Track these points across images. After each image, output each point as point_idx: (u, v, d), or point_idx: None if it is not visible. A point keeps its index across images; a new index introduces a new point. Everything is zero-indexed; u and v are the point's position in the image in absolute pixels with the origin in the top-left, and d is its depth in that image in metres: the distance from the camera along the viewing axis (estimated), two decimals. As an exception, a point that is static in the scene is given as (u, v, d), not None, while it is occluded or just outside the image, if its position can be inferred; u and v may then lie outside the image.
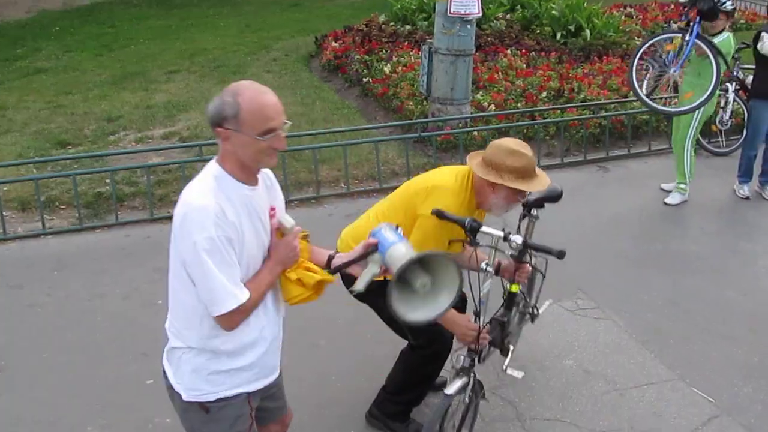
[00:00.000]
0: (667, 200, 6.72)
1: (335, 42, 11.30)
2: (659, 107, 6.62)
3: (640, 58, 6.42)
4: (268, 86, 2.26)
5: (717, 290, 5.23)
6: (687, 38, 6.05)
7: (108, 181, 6.68)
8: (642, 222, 6.48)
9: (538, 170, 3.20)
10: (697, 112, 6.40)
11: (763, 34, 6.47)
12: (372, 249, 2.34)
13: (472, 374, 3.21)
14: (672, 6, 14.01)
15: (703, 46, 6.05)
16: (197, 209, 2.14)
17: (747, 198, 6.89)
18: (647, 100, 6.37)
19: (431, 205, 3.09)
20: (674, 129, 6.81)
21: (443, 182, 3.23)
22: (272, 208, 2.39)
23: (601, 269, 5.51)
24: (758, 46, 6.49)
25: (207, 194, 2.18)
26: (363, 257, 2.37)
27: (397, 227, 2.41)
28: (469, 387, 3.21)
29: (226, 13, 16.35)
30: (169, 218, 6.17)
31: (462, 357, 3.21)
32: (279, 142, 2.22)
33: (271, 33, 13.88)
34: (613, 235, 6.14)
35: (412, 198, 3.25)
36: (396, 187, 3.60)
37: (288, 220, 2.36)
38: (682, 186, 6.74)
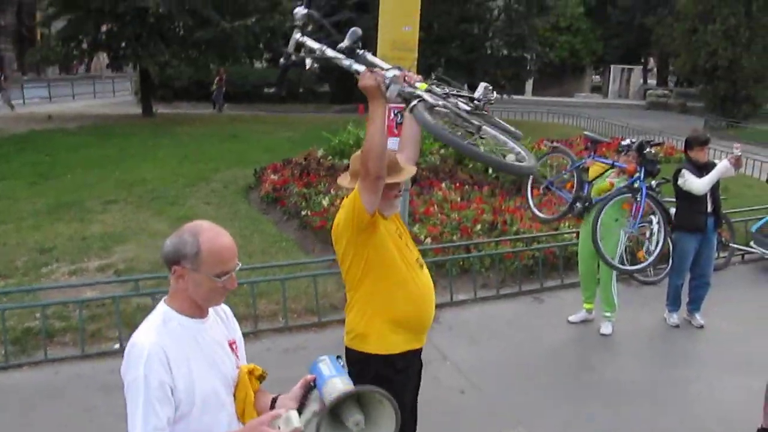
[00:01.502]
0: (602, 330, 6.88)
1: (274, 174, 11.52)
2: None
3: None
4: (207, 218, 2.32)
5: (654, 419, 5.30)
6: (638, 198, 6.37)
7: (38, 315, 6.50)
8: (578, 352, 6.60)
9: (402, 162, 3.43)
10: (621, 241, 6.70)
11: (684, 171, 6.87)
12: (311, 385, 2.32)
13: None
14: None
15: (652, 205, 6.42)
16: (135, 347, 2.16)
17: (677, 326, 7.10)
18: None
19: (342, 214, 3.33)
20: (596, 260, 6.95)
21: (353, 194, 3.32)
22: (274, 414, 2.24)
23: (540, 400, 5.54)
24: (679, 183, 6.87)
25: (149, 334, 2.19)
26: (304, 396, 2.32)
27: (338, 357, 2.39)
28: None
29: (166, 144, 16.58)
30: (102, 355, 6.07)
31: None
32: (232, 283, 2.28)
33: (209, 164, 14.08)
34: (551, 365, 6.22)
35: (337, 232, 3.41)
36: (335, 321, 3.63)
37: (292, 422, 2.18)
38: (609, 314, 6.92)
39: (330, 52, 3.19)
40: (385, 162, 3.11)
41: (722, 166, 6.72)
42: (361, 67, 3.04)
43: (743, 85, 25.78)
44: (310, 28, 3.38)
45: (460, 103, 3.06)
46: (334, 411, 2.21)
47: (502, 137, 3.04)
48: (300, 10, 3.36)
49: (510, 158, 2.98)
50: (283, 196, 10.62)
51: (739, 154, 6.82)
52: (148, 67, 22.69)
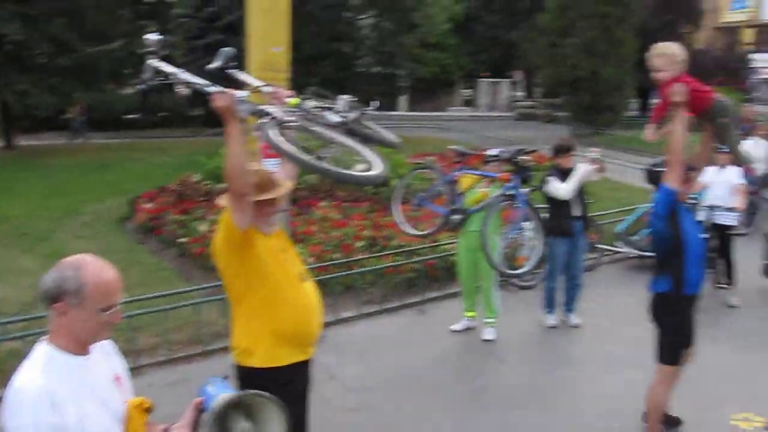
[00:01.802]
0: (485, 336, 7.06)
1: (149, 203, 11.20)
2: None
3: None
4: (79, 253, 2.25)
5: (541, 420, 5.47)
6: (516, 204, 6.54)
7: None
8: (464, 360, 6.74)
9: (279, 179, 3.53)
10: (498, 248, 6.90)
11: (549, 177, 7.17)
12: (202, 408, 2.30)
13: None
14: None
15: (528, 211, 6.63)
16: (19, 392, 2.07)
17: (554, 327, 7.39)
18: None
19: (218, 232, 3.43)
20: (476, 268, 7.14)
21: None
22: None
23: (429, 411, 5.61)
24: (545, 189, 7.17)
25: (34, 377, 2.10)
26: (196, 420, 2.31)
27: (225, 377, 2.40)
28: None
29: (30, 177, 15.80)
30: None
31: None
32: (117, 317, 2.24)
33: (79, 196, 13.53)
34: (438, 375, 6.32)
35: (216, 250, 3.47)
36: (220, 349, 3.60)
37: None
38: (491, 320, 7.12)
39: (186, 75, 3.21)
40: (246, 179, 3.17)
41: (582, 170, 7.07)
42: (214, 89, 3.05)
43: (604, 94, 27.13)
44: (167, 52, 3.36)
45: (328, 116, 3.18)
46: (223, 425, 2.20)
47: (359, 147, 3.14)
48: (152, 37, 3.38)
49: (358, 168, 3.08)
50: (159, 224, 10.32)
51: (596, 156, 7.18)
52: (6, 97, 21.56)
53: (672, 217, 4.58)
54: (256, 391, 2.32)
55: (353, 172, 3.06)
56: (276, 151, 3.01)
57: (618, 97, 27.39)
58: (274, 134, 2.98)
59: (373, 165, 3.06)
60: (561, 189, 7.05)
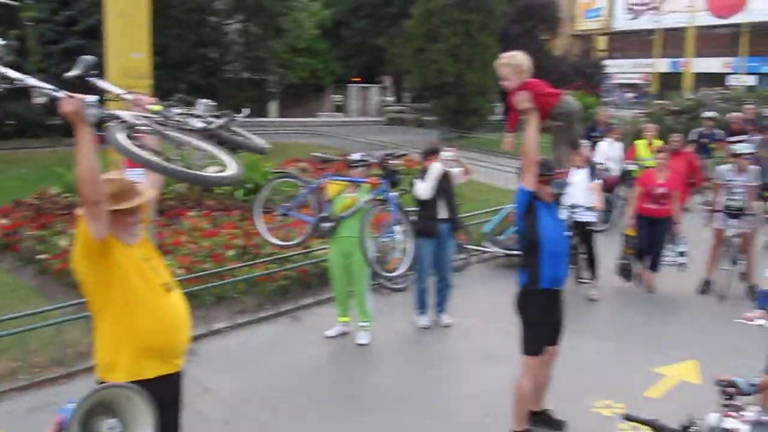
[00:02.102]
0: (360, 341, 7.10)
1: (4, 218, 10.55)
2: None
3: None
4: None
5: (417, 421, 5.56)
6: (388, 208, 6.63)
7: None
8: (339, 365, 6.76)
9: (138, 188, 3.45)
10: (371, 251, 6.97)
11: (415, 180, 7.32)
12: (61, 426, 2.22)
13: None
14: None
15: (399, 214, 6.71)
16: None
17: (427, 327, 7.53)
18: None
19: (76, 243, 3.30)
20: (348, 273, 7.16)
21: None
22: None
23: (306, 420, 5.59)
24: (412, 191, 7.30)
25: None
26: None
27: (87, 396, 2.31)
28: None
29: None
30: None
31: None
32: None
33: (-76, 213, 12.56)
34: (314, 382, 6.29)
35: (74, 261, 3.36)
36: (85, 369, 3.47)
37: None
38: (365, 324, 7.18)
39: (32, 81, 3.08)
40: (98, 187, 3.09)
41: (436, 169, 7.20)
42: (61, 94, 2.96)
43: (469, 98, 27.98)
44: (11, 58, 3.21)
45: (191, 122, 3.17)
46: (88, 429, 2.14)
47: (214, 150, 3.14)
48: None
49: (211, 170, 3.09)
50: (15, 240, 9.74)
51: (451, 156, 7.36)
52: None
53: (528, 215, 4.87)
54: (109, 383, 2.25)
55: (204, 174, 3.05)
56: (122, 154, 2.96)
57: (483, 101, 28.30)
58: (121, 138, 2.94)
59: (227, 167, 3.06)
60: (419, 188, 7.21)
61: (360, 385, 6.27)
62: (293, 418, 5.60)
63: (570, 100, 4.93)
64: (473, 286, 8.90)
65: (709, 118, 13.84)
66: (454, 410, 5.75)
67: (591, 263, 8.60)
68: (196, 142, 3.14)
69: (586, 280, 8.70)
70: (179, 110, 3.31)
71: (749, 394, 3.70)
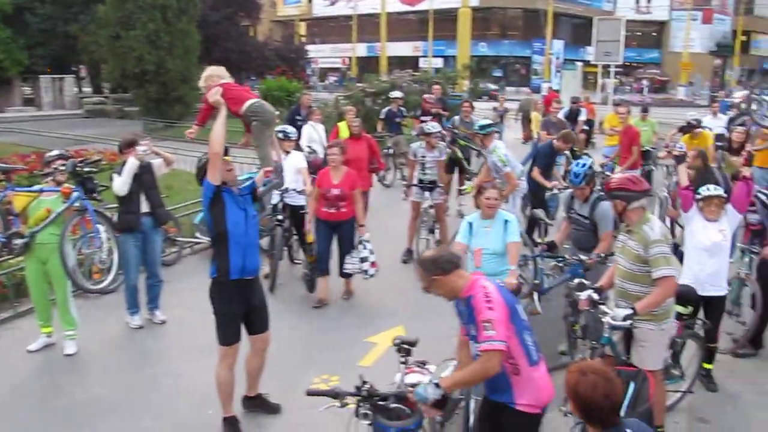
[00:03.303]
0: (66, 351, 6.63)
1: None
2: None
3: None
4: None
5: (134, 425, 5.36)
6: (86, 215, 6.37)
7: None
8: (47, 379, 6.24)
9: None
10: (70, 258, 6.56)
11: (113, 175, 6.95)
12: None
13: None
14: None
15: (98, 218, 6.30)
16: None
17: (140, 327, 7.24)
18: None
19: None
20: (47, 281, 6.72)
21: None
22: None
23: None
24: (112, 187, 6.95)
25: None
26: None
27: None
28: None
29: None
30: None
31: None
32: None
33: None
34: (18, 402, 5.79)
35: None
36: None
37: None
38: (71, 333, 6.72)
39: None
40: None
41: (129, 164, 6.92)
42: None
43: (172, 86, 27.21)
44: None
45: None
46: None
47: None
48: None
49: None
50: None
51: (144, 150, 7.06)
52: None
53: (215, 207, 4.94)
54: None
55: None
56: None
57: (187, 88, 27.67)
58: None
59: None
60: (115, 185, 6.91)
61: (70, 398, 5.86)
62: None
63: (264, 103, 5.20)
64: (188, 278, 8.69)
65: (396, 98, 14.82)
66: (173, 408, 5.62)
67: (303, 244, 8.83)
68: None
69: (299, 261, 8.91)
70: None
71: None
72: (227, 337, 5.14)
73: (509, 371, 3.69)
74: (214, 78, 5.09)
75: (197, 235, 9.79)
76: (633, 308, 4.61)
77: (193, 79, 26.99)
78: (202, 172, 4.99)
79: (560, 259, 6.73)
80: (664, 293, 4.67)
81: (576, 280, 5.22)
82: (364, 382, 3.69)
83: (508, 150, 8.85)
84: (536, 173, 9.15)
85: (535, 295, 7.43)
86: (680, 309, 5.43)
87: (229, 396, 5.25)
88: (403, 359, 4.25)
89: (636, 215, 4.81)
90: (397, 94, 15.06)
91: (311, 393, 3.74)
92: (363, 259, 7.82)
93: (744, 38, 58.28)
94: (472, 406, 4.71)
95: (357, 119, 10.61)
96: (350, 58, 61.07)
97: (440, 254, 3.88)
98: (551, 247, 6.92)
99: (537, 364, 3.76)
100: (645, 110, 14.00)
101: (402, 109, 14.73)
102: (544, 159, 9.38)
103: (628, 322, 4.57)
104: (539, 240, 8.48)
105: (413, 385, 3.80)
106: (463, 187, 11.44)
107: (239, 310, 5.14)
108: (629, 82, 55.64)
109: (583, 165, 6.37)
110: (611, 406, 2.93)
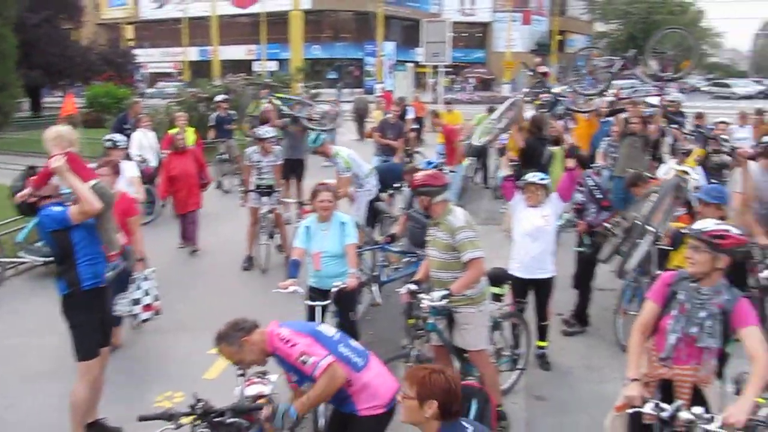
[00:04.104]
0: None
1: None
2: None
3: None
4: None
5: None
6: None
7: None
8: None
9: None
10: None
11: None
12: None
13: None
14: None
15: None
16: None
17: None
18: None
19: None
20: None
21: None
22: None
23: None
24: None
25: None
26: None
27: None
28: None
29: None
30: None
31: None
32: None
33: None
34: None
35: None
36: None
37: None
38: None
39: None
40: None
41: None
42: None
43: (-13, 95, 25.41)
44: None
45: None
46: None
47: None
48: None
49: None
50: None
51: None
52: None
53: (59, 233, 4.77)
54: None
55: None
56: None
57: (5, 96, 25.85)
58: None
59: None
60: None
61: None
62: None
63: (105, 185, 5.10)
64: (13, 301, 8.16)
65: (221, 102, 14.57)
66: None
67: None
68: None
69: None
70: None
71: None
72: (90, 349, 4.94)
73: (342, 387, 3.78)
74: (63, 143, 4.91)
75: (20, 254, 9.14)
76: (449, 290, 4.89)
77: (11, 87, 25.31)
78: (27, 208, 4.91)
79: (403, 252, 7.07)
80: (474, 274, 4.99)
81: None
82: (199, 400, 3.63)
83: (352, 151, 9.02)
84: None
85: (375, 287, 7.67)
86: (495, 290, 5.82)
87: (86, 417, 5.04)
88: (241, 371, 4.23)
89: (440, 208, 5.11)
90: (221, 97, 14.83)
91: (143, 418, 3.62)
92: (135, 301, 6.33)
93: (560, 37, 62.06)
94: (321, 409, 4.78)
95: (181, 134, 10.35)
96: (182, 62, 59.46)
97: (233, 321, 3.94)
98: (393, 238, 7.24)
99: (365, 368, 3.89)
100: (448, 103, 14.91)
101: (231, 112, 14.54)
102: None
103: (445, 300, 4.86)
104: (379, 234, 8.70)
105: (255, 397, 3.81)
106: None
107: (98, 316, 4.99)
108: (460, 81, 57.83)
109: (429, 163, 6.77)
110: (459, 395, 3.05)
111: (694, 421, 3.39)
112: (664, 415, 3.47)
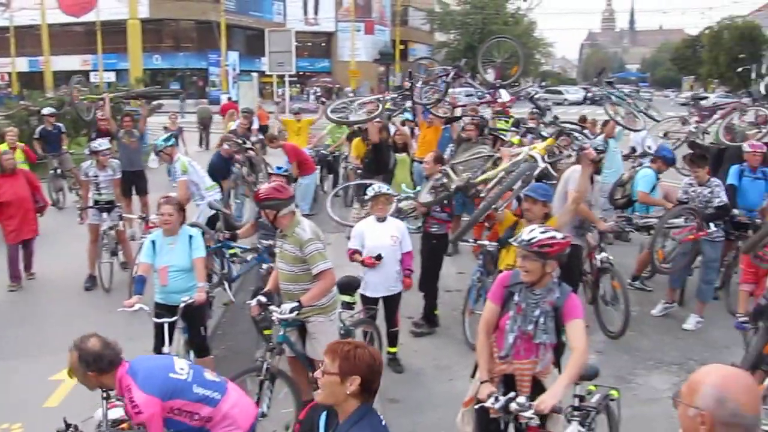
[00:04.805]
0: None
1: None
2: None
3: None
4: None
5: None
6: None
7: None
8: None
9: None
10: None
11: None
12: None
13: None
14: None
15: None
16: None
17: None
18: None
19: None
20: None
21: None
22: None
23: None
24: None
25: None
26: None
27: None
28: None
29: None
30: None
31: None
32: None
33: None
34: None
35: None
36: None
37: None
38: None
39: None
40: None
41: None
42: None
43: None
44: None
45: None
46: None
47: None
48: None
49: None
50: None
51: None
52: None
53: None
54: None
55: None
56: None
57: None
58: None
59: None
60: None
61: None
62: None
63: None
64: None
65: (47, 115, 13.98)
66: None
67: None
68: None
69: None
70: None
71: None
72: None
73: (203, 425, 3.75)
74: None
75: None
76: (299, 302, 4.93)
77: None
78: None
79: (243, 248, 7.29)
80: (325, 285, 5.05)
81: (264, 266, 6.04)
82: (69, 425, 3.50)
83: (195, 162, 8.95)
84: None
85: (226, 285, 7.68)
86: (346, 298, 5.96)
87: None
88: (105, 393, 4.08)
89: (287, 220, 5.12)
90: (48, 110, 14.21)
91: None
92: None
93: (402, 47, 63.52)
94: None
95: (9, 153, 9.43)
96: (9, 73, 55.89)
97: (106, 350, 3.78)
98: (234, 237, 7.37)
99: (223, 400, 3.84)
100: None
101: (58, 125, 13.96)
102: (220, 171, 9.84)
103: (295, 313, 4.89)
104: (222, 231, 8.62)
105: (118, 421, 3.72)
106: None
107: None
108: (308, 91, 57.92)
109: (279, 168, 7.15)
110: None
111: (519, 410, 3.67)
112: (497, 406, 3.72)
